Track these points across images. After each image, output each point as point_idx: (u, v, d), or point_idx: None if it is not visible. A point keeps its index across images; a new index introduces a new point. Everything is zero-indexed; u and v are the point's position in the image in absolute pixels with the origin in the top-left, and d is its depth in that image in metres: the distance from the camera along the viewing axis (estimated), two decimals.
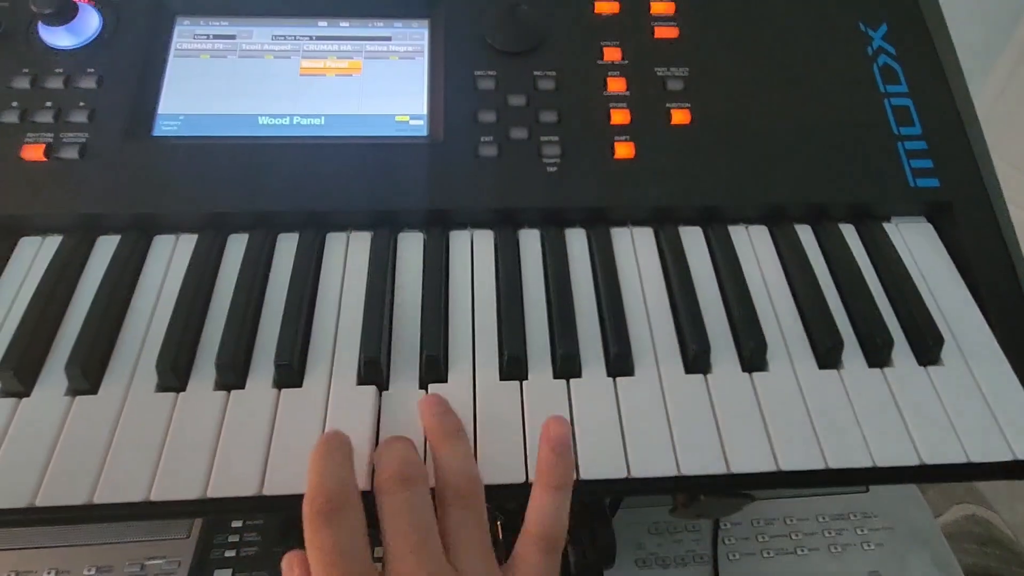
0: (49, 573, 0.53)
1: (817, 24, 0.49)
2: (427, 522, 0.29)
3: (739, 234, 0.44)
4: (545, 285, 0.40)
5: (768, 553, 0.58)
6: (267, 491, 0.32)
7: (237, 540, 0.55)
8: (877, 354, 0.38)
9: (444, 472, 0.31)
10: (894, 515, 0.61)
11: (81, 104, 0.42)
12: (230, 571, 0.54)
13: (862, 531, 0.60)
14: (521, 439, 0.34)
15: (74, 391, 0.35)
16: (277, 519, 0.56)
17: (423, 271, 0.41)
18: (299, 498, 0.29)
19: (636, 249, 0.43)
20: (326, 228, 0.42)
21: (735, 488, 0.35)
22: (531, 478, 0.33)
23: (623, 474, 0.33)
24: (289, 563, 0.30)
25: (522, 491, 0.32)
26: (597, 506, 0.53)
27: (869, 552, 0.58)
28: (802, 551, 0.58)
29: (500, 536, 0.51)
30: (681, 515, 0.45)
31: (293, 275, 0.39)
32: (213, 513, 0.33)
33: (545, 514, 0.31)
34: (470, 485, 0.31)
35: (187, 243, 0.41)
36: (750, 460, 0.34)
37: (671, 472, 0.34)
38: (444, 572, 0.28)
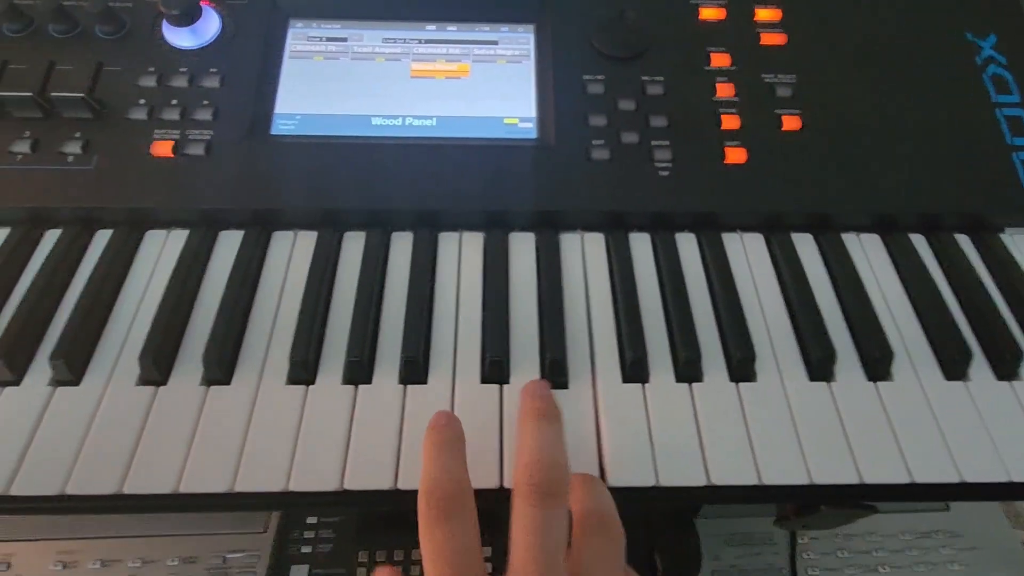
0: (135, 562, 0.54)
1: (924, 33, 0.49)
2: (560, 545, 0.28)
3: (851, 242, 0.43)
4: (660, 289, 0.40)
5: (851, 569, 0.57)
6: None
7: (313, 536, 0.56)
8: (1005, 366, 0.37)
9: (591, 498, 0.30)
10: (978, 534, 0.59)
11: (205, 103, 0.43)
12: (307, 567, 0.54)
13: (947, 550, 0.58)
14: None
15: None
16: (354, 517, 0.56)
17: (537, 273, 0.41)
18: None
19: (748, 254, 0.42)
20: (438, 227, 0.43)
21: (859, 499, 0.35)
22: None
23: (754, 480, 0.33)
24: None
25: None
26: (682, 515, 0.53)
27: (953, 572, 0.57)
28: (884, 569, 0.57)
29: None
30: (788, 525, 0.44)
31: (411, 274, 0.40)
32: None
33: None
34: (614, 519, 0.30)
35: (305, 240, 0.42)
36: (882, 471, 0.34)
37: (803, 480, 0.33)
38: None
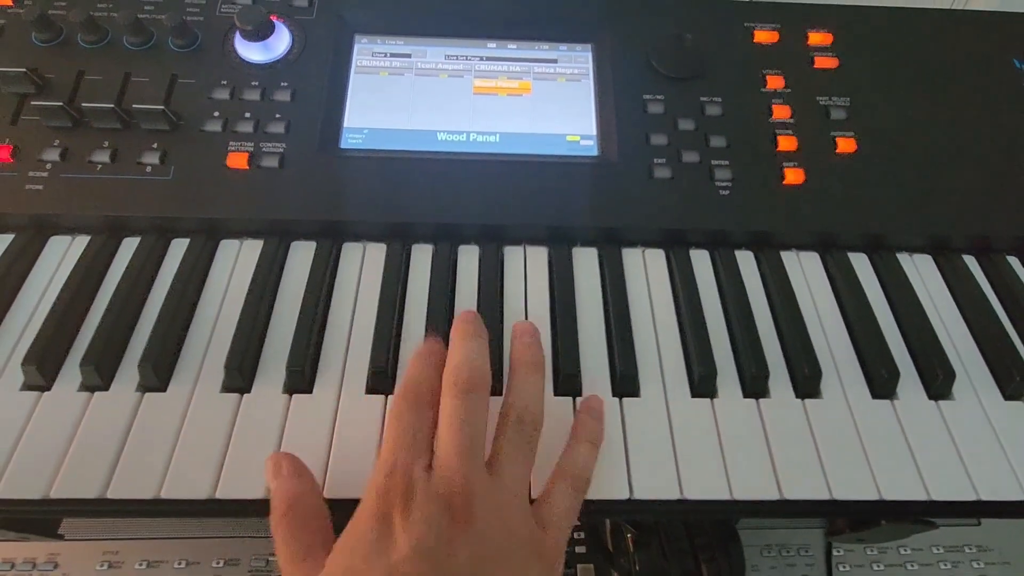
0: (180, 564, 0.55)
1: (972, 60, 0.50)
2: (477, 431, 0.32)
3: (905, 262, 0.44)
4: (722, 305, 0.41)
5: None
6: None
7: None
8: None
9: (514, 398, 0.34)
10: (1009, 549, 0.60)
11: (277, 116, 0.44)
12: None
13: (978, 564, 0.59)
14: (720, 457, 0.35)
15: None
16: None
17: (602, 288, 0.42)
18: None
19: (805, 272, 0.43)
20: (503, 241, 0.44)
21: (922, 516, 0.36)
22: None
23: (826, 495, 0.34)
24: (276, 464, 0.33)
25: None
26: (727, 524, 0.54)
27: None
28: None
29: (632, 549, 0.52)
30: (841, 539, 0.45)
31: (480, 285, 0.41)
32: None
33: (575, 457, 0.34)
34: (533, 418, 0.33)
35: (374, 251, 0.43)
36: (947, 488, 0.35)
37: (872, 496, 0.34)
38: (483, 479, 0.30)
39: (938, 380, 0.38)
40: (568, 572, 0.55)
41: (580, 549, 0.56)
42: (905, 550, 0.59)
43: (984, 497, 0.34)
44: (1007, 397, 0.38)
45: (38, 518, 0.37)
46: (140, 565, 0.54)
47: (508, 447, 0.32)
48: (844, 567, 0.58)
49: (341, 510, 0.33)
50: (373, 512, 0.29)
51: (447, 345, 0.35)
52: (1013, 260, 0.45)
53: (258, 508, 0.33)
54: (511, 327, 0.38)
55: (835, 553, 0.59)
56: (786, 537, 0.59)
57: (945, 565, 0.58)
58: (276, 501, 0.31)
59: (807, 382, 0.38)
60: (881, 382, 0.38)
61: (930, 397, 0.38)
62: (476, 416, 0.32)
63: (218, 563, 0.55)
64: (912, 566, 0.58)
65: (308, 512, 0.31)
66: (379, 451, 0.32)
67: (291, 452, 0.33)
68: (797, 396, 0.38)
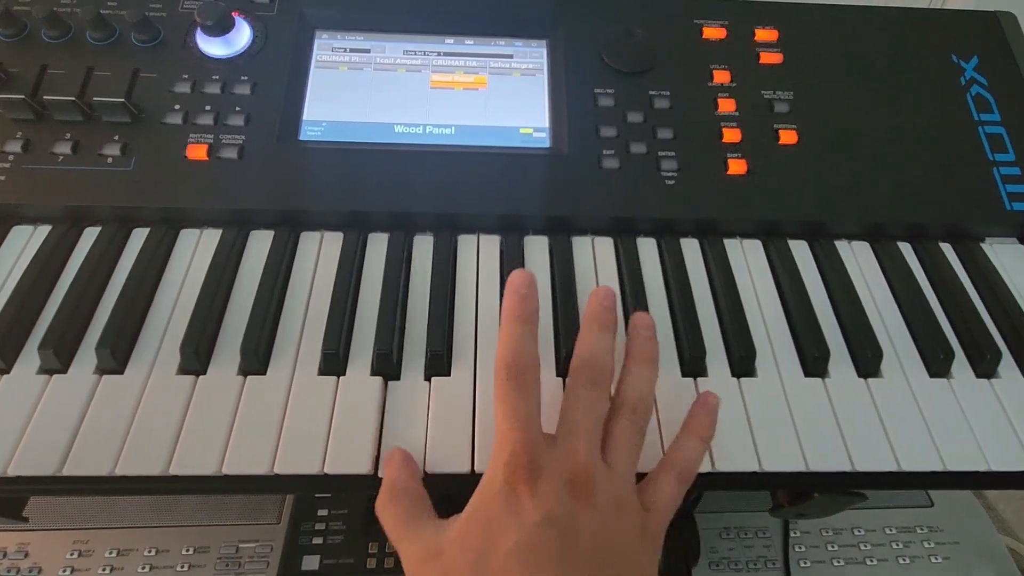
0: (150, 551, 0.56)
1: (912, 55, 0.52)
2: (599, 420, 0.34)
3: (843, 249, 0.46)
4: (666, 291, 0.43)
5: (838, 561, 0.60)
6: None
7: (324, 528, 0.58)
8: (985, 365, 0.40)
9: (630, 388, 0.36)
10: (960, 530, 0.62)
11: (237, 109, 0.45)
12: (318, 557, 0.56)
13: (928, 544, 0.61)
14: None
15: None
16: (364, 510, 0.58)
17: (551, 274, 0.43)
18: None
19: (747, 259, 0.45)
20: (457, 230, 0.45)
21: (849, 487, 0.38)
22: None
23: (756, 467, 0.36)
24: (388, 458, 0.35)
25: None
26: (683, 506, 0.55)
27: (936, 565, 0.60)
28: (871, 561, 0.60)
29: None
30: (782, 514, 0.47)
31: (433, 273, 0.43)
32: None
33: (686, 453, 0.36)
34: (646, 409, 0.36)
35: (331, 240, 0.44)
36: (872, 459, 0.36)
37: (800, 467, 0.36)
38: (598, 462, 0.33)
39: (867, 359, 0.40)
40: None
41: None
42: (859, 531, 0.61)
43: (905, 468, 0.36)
44: (932, 375, 0.40)
45: None
46: (110, 553, 0.55)
47: (621, 435, 0.34)
48: (800, 548, 0.60)
49: (291, 486, 0.35)
50: (502, 486, 0.31)
51: None
52: (945, 247, 0.47)
53: (209, 484, 0.34)
54: (629, 318, 0.39)
55: (792, 535, 0.61)
56: (744, 520, 0.61)
57: (897, 545, 0.61)
58: (382, 488, 0.34)
59: (742, 362, 0.39)
60: (812, 361, 0.40)
61: (860, 375, 0.40)
62: (600, 407, 0.34)
63: (188, 551, 0.56)
64: (865, 546, 0.60)
65: (409, 491, 0.34)
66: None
67: (399, 446, 0.36)
68: (733, 375, 0.39)
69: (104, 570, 0.54)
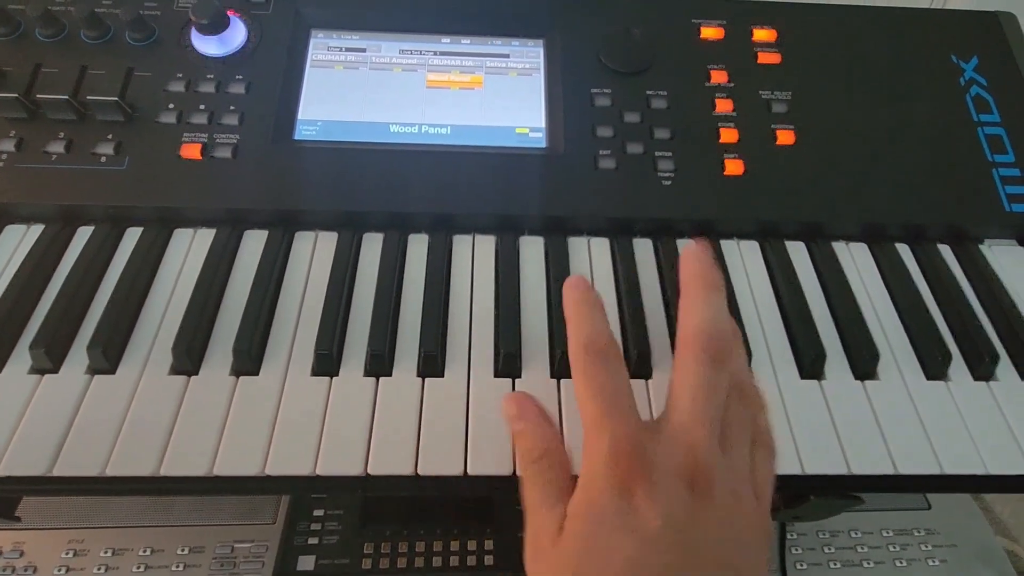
0: (145, 551, 0.56)
1: (911, 55, 0.52)
2: (721, 404, 0.31)
3: (841, 250, 0.46)
4: (662, 292, 0.43)
5: (834, 564, 0.59)
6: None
7: (319, 528, 0.58)
8: (982, 368, 0.40)
9: (736, 366, 0.33)
10: (957, 533, 0.62)
11: (232, 108, 0.45)
12: (314, 557, 0.56)
13: (926, 547, 0.61)
14: None
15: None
16: (359, 510, 0.58)
17: (547, 274, 0.43)
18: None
19: (744, 260, 0.45)
20: (452, 230, 0.45)
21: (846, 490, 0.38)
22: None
23: None
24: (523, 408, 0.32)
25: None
26: None
27: (933, 568, 0.60)
28: (868, 564, 0.59)
29: None
30: (778, 517, 0.47)
31: (428, 273, 0.42)
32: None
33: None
34: (754, 389, 0.33)
35: (326, 240, 0.44)
36: (869, 462, 0.36)
37: (796, 471, 0.36)
38: (720, 455, 0.30)
39: (863, 361, 0.39)
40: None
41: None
42: (856, 533, 0.61)
43: (901, 471, 0.36)
44: (929, 377, 0.40)
45: None
46: (105, 553, 0.55)
47: (736, 420, 0.31)
48: (797, 550, 0.60)
49: (284, 487, 0.35)
50: (610, 485, 0.28)
51: None
52: (944, 248, 0.47)
53: (201, 485, 0.34)
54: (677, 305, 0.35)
55: (788, 537, 0.60)
56: None
57: (894, 548, 0.60)
58: (529, 444, 0.31)
59: None
60: (809, 362, 0.39)
61: (856, 377, 0.40)
62: (722, 389, 0.31)
63: (183, 550, 0.56)
64: (862, 548, 0.60)
65: (558, 460, 0.31)
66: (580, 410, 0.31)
67: (531, 396, 0.33)
68: None
69: (99, 569, 0.53)
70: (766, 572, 0.30)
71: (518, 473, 0.31)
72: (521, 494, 0.31)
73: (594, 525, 0.28)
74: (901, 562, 0.59)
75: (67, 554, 0.55)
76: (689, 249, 0.35)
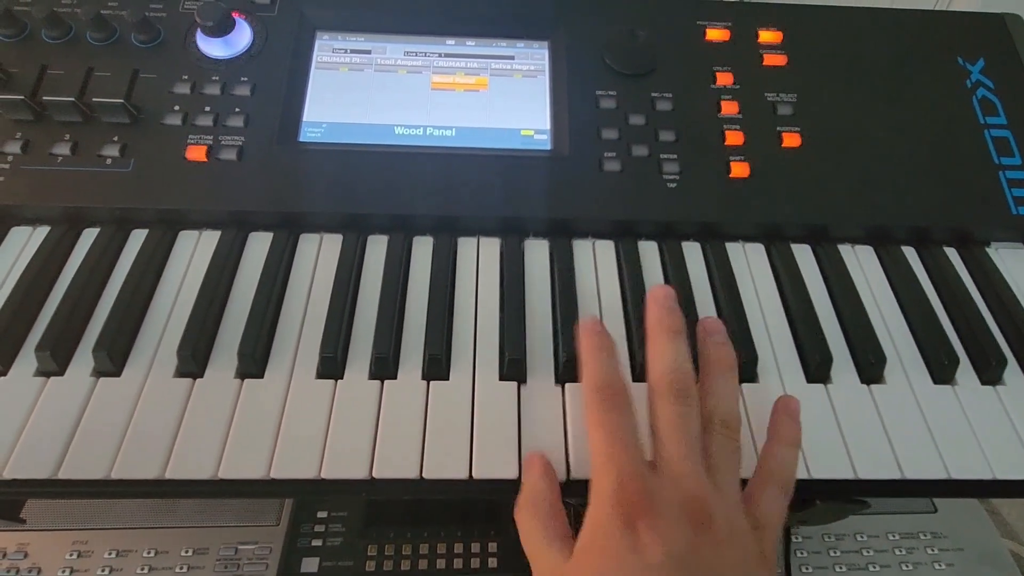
0: (149, 553, 0.56)
1: (917, 57, 0.52)
2: (696, 437, 0.33)
3: (847, 253, 0.46)
4: None
5: (840, 567, 0.59)
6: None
7: (323, 530, 0.58)
8: (990, 372, 0.40)
9: (716, 401, 0.35)
10: (963, 536, 0.61)
11: (237, 110, 0.45)
12: (317, 560, 0.56)
13: (932, 551, 0.61)
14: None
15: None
16: (363, 512, 0.58)
17: (551, 277, 0.43)
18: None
19: (750, 263, 0.45)
20: (457, 232, 0.45)
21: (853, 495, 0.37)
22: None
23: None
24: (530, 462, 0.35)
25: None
26: None
27: (940, 571, 0.59)
28: (874, 567, 0.59)
29: None
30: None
31: (432, 275, 0.42)
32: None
33: (778, 461, 0.35)
34: (736, 420, 0.35)
35: (331, 242, 0.44)
36: (875, 467, 0.36)
37: (802, 475, 0.35)
38: (710, 485, 0.32)
39: (870, 365, 0.39)
40: None
41: None
42: (862, 537, 0.61)
43: (908, 476, 0.36)
44: (936, 381, 0.40)
45: None
46: (109, 554, 0.55)
47: (720, 452, 0.33)
48: (802, 554, 0.60)
49: (289, 490, 0.35)
50: (616, 519, 0.30)
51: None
52: (950, 251, 0.47)
53: (206, 489, 0.34)
54: (696, 324, 0.38)
55: (793, 540, 0.60)
56: None
57: (900, 551, 0.60)
58: (523, 491, 0.34)
59: (744, 367, 0.39)
60: (815, 366, 0.39)
61: (863, 381, 0.40)
62: (693, 421, 0.33)
63: (187, 552, 0.56)
64: (868, 552, 0.60)
65: (547, 507, 0.33)
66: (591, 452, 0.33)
67: (545, 456, 0.35)
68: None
69: (103, 571, 0.54)
70: None
71: (517, 521, 0.34)
72: (522, 543, 0.33)
73: (602, 558, 0.30)
74: (907, 566, 0.59)
75: (71, 555, 0.55)
76: (652, 293, 0.38)
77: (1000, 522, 0.75)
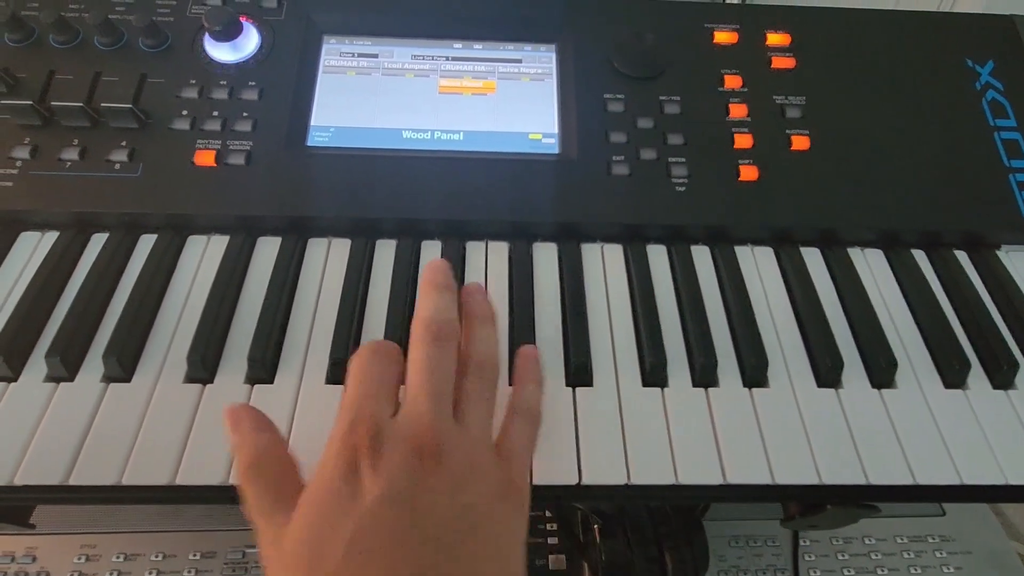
0: (157, 556, 0.56)
1: (926, 59, 0.51)
2: (446, 377, 0.32)
3: (856, 256, 0.46)
4: (676, 298, 0.43)
5: (848, 571, 0.59)
6: None
7: None
8: (1001, 376, 0.40)
9: (474, 347, 0.35)
10: (972, 540, 0.61)
11: (245, 114, 0.45)
12: None
13: (940, 554, 0.60)
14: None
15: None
16: None
17: (560, 281, 0.43)
18: None
19: (759, 267, 0.45)
20: (465, 236, 0.45)
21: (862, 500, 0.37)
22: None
23: (768, 480, 0.35)
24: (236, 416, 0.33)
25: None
26: (692, 515, 0.55)
27: (948, 575, 0.59)
28: (882, 571, 0.59)
29: (598, 539, 0.53)
30: (793, 526, 0.46)
31: None
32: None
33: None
34: (493, 364, 0.35)
35: (339, 247, 0.44)
36: (886, 472, 0.36)
37: (813, 480, 0.35)
38: (450, 423, 0.31)
39: (881, 369, 0.39)
40: (540, 563, 0.56)
41: (552, 540, 0.57)
42: (869, 540, 0.61)
43: (921, 481, 0.36)
44: (947, 385, 0.40)
45: (5, 505, 0.37)
46: (117, 558, 0.55)
47: (471, 392, 0.33)
48: (810, 557, 0.59)
49: None
50: (339, 461, 0.28)
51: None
52: (961, 254, 0.46)
53: (217, 494, 0.34)
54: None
55: (801, 543, 0.60)
56: (753, 528, 0.60)
57: (908, 555, 0.60)
58: (240, 455, 0.31)
59: (754, 372, 0.39)
60: (826, 371, 0.39)
61: (874, 386, 0.39)
62: (446, 364, 0.32)
63: (195, 556, 0.56)
64: (876, 555, 0.60)
65: (274, 465, 0.31)
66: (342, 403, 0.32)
67: (250, 406, 0.33)
68: (745, 385, 0.39)
69: (111, 575, 0.54)
70: (519, 536, 0.30)
71: (241, 490, 0.31)
72: (248, 513, 0.30)
73: (320, 508, 0.28)
74: (916, 569, 0.59)
75: (79, 559, 0.55)
76: (428, 263, 0.38)
77: (1005, 523, 0.75)
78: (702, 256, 0.45)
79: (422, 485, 0.28)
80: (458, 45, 0.51)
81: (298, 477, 0.31)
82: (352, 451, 0.28)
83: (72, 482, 0.33)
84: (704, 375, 0.39)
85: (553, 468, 0.35)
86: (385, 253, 0.44)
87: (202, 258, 0.43)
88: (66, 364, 0.37)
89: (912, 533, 0.61)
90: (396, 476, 0.28)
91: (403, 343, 0.38)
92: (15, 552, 0.55)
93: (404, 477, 0.28)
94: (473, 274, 0.43)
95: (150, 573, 0.54)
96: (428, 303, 0.35)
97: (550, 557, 0.56)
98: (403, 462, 0.28)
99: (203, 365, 0.37)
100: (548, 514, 0.57)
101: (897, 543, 0.61)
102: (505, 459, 0.32)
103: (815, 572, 0.59)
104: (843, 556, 0.60)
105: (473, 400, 0.32)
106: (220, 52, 0.47)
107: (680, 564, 0.54)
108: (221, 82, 0.46)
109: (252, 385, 0.37)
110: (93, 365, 0.37)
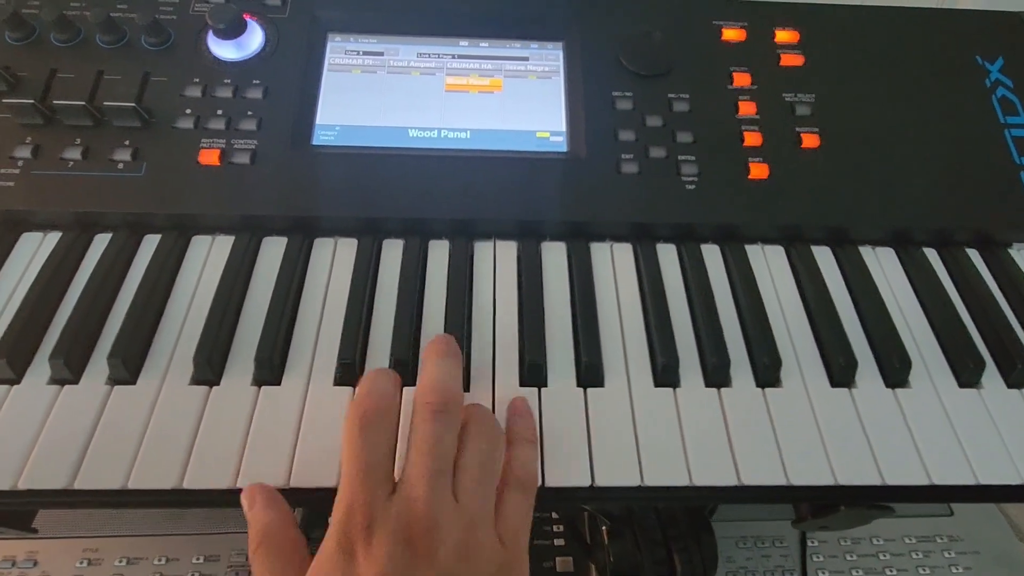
0: (160, 560, 0.55)
1: (936, 56, 0.51)
2: (448, 456, 0.32)
3: (867, 255, 0.45)
4: (687, 297, 0.42)
5: (857, 571, 0.59)
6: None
7: None
8: (1016, 375, 0.39)
9: (516, 465, 0.34)
10: (980, 540, 0.61)
11: (249, 113, 0.45)
12: None
13: (949, 554, 0.60)
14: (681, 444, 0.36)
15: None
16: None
17: (570, 280, 0.43)
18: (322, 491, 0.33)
19: (769, 266, 0.44)
20: (472, 236, 0.44)
21: (878, 501, 0.37)
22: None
23: (783, 481, 0.35)
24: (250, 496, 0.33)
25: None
26: (700, 516, 0.54)
27: (956, 575, 0.59)
28: (890, 571, 0.59)
29: (606, 541, 0.53)
30: (804, 527, 0.46)
31: (449, 280, 0.42)
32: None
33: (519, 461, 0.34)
34: (532, 484, 0.34)
35: (345, 246, 0.43)
36: (901, 473, 0.36)
37: (828, 481, 0.35)
38: (447, 504, 0.30)
39: (895, 369, 0.39)
40: (547, 565, 0.55)
41: (559, 542, 0.57)
42: (878, 540, 0.60)
43: (936, 481, 0.35)
44: (962, 385, 0.39)
45: (7, 510, 0.37)
46: (120, 562, 0.55)
47: (471, 466, 0.32)
48: (818, 558, 0.59)
49: (307, 499, 0.34)
50: (336, 546, 0.29)
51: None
52: (972, 252, 0.46)
53: (223, 498, 0.33)
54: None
55: (809, 544, 0.60)
56: (761, 529, 0.60)
57: (917, 555, 0.60)
58: (251, 532, 0.32)
59: (767, 371, 0.38)
60: (839, 371, 0.39)
61: (888, 385, 0.39)
62: (446, 440, 0.32)
63: (198, 559, 0.55)
64: (884, 556, 0.59)
65: (282, 542, 0.32)
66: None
67: (264, 484, 0.33)
68: (758, 385, 0.38)
69: None
70: None
71: (253, 566, 0.32)
72: None
73: None
74: (924, 569, 0.59)
75: (81, 563, 0.54)
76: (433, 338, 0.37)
77: (1012, 523, 0.74)
78: (712, 255, 0.45)
79: (414, 572, 0.28)
80: (464, 43, 0.50)
81: (305, 553, 0.32)
82: (348, 536, 0.29)
83: (77, 486, 0.33)
84: (716, 375, 0.38)
85: (565, 470, 0.35)
86: (392, 253, 0.43)
87: (207, 258, 0.42)
88: (70, 366, 0.36)
89: (920, 533, 0.61)
90: (385, 565, 0.28)
91: (410, 343, 0.38)
92: (16, 556, 0.54)
93: (395, 568, 0.28)
94: (482, 274, 0.43)
95: None
96: (429, 372, 0.34)
97: (557, 559, 0.56)
98: (395, 552, 0.29)
99: (209, 367, 0.36)
100: (555, 516, 0.57)
101: (905, 543, 0.60)
102: (504, 541, 0.32)
103: (823, 573, 0.58)
104: (851, 557, 0.59)
105: (475, 472, 0.32)
106: (224, 50, 0.46)
107: (688, 566, 0.53)
108: (225, 80, 0.46)
109: (259, 387, 0.37)
110: (97, 367, 0.37)
